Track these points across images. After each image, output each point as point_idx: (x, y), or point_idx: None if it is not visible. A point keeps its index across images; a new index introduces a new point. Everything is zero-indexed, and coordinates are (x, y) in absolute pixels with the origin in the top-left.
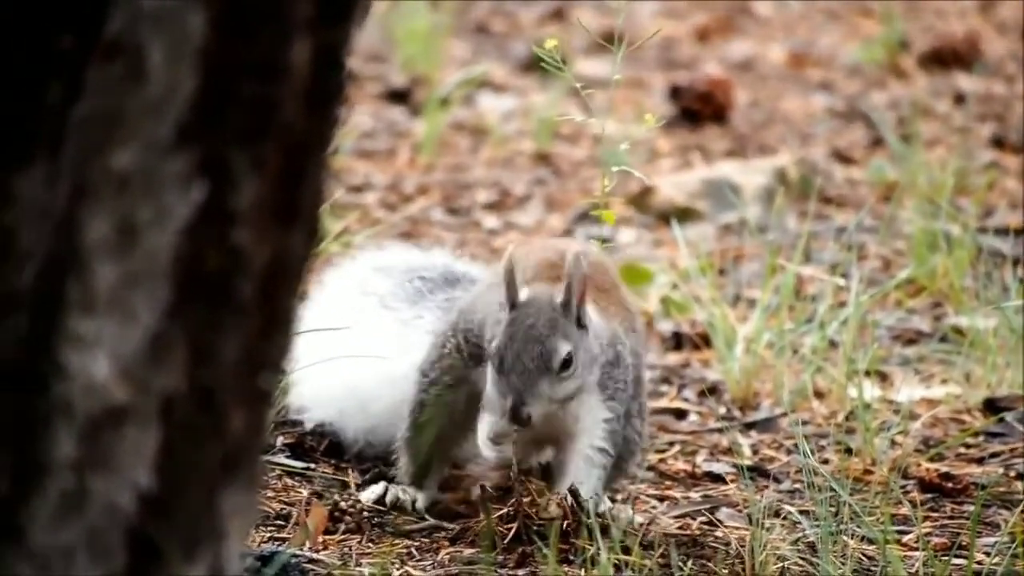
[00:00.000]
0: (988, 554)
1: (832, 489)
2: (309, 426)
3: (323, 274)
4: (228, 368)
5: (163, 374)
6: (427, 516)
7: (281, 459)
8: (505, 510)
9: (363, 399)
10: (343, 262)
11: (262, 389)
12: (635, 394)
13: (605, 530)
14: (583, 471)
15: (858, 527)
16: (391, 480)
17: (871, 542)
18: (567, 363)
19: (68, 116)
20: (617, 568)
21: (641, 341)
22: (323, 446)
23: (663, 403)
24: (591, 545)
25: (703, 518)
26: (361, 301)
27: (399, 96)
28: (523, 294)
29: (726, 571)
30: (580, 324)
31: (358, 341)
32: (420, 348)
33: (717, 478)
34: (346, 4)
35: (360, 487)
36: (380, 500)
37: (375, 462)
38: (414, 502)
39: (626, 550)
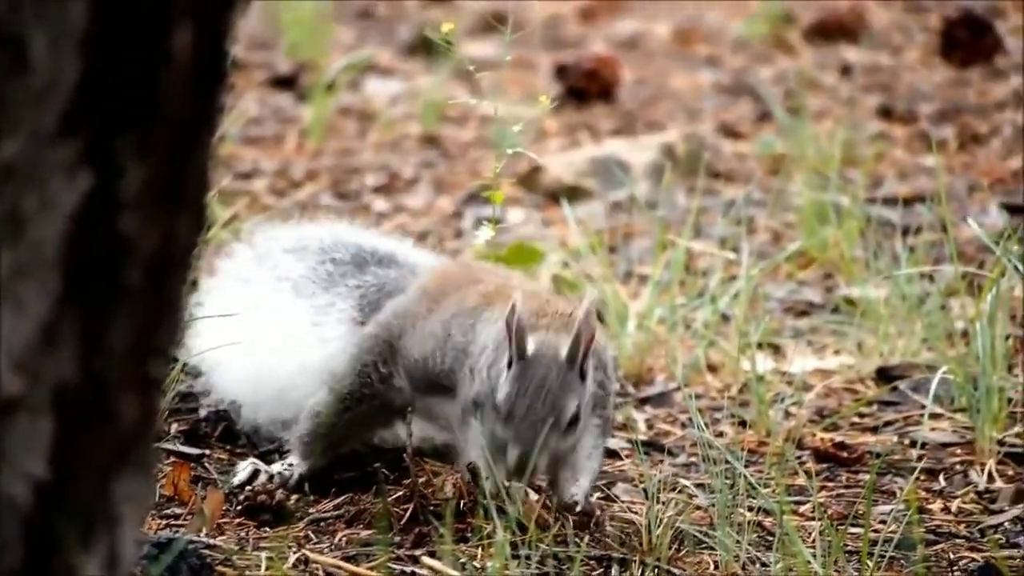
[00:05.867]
0: (884, 522)
1: (727, 461)
2: (204, 412)
3: (217, 260)
4: (118, 356)
5: (54, 364)
6: (305, 490)
7: (175, 446)
8: (401, 492)
9: (280, 387)
10: (252, 240)
11: (153, 376)
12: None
13: (501, 509)
14: (579, 474)
15: (754, 499)
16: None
17: (768, 513)
18: (575, 419)
19: None
20: (514, 546)
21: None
22: (218, 432)
23: None
24: (487, 524)
25: (599, 494)
26: (274, 286)
27: (285, 82)
28: (530, 345)
29: (623, 546)
30: (583, 377)
31: (273, 328)
32: (335, 340)
33: (612, 454)
34: None
35: (231, 469)
36: (249, 481)
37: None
38: (288, 478)
39: (522, 528)
